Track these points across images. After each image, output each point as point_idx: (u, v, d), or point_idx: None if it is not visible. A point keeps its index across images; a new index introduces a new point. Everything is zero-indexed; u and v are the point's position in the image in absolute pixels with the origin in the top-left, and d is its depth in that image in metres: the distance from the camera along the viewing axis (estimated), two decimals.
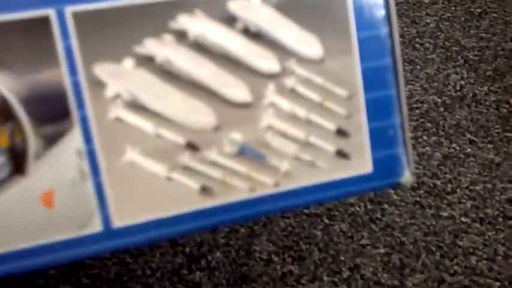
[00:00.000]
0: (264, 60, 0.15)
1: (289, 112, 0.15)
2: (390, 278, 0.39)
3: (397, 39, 0.16)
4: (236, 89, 0.14)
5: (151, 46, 0.14)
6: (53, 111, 0.13)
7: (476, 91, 0.47)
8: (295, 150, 0.15)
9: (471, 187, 0.42)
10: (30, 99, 0.13)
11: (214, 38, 0.14)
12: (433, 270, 0.38)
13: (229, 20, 0.14)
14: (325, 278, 0.39)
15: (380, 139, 0.16)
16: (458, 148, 0.42)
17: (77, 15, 0.13)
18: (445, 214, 0.40)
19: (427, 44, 0.49)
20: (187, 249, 0.38)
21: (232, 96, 0.14)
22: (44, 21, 0.13)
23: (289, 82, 0.15)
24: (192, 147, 0.14)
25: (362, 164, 0.16)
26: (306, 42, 0.15)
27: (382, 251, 0.39)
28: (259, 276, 0.39)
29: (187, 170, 0.15)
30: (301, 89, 0.15)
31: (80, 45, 0.13)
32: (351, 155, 0.16)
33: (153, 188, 0.14)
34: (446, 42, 0.50)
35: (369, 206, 0.41)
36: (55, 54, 0.13)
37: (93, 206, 0.14)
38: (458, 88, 0.46)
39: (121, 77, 0.14)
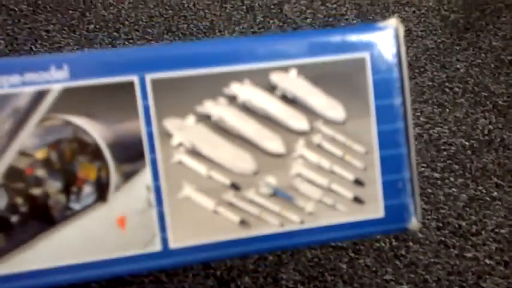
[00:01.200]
0: (297, 121, 0.19)
1: (315, 163, 0.19)
2: None
3: (409, 106, 0.19)
4: (273, 143, 0.18)
5: (209, 107, 0.18)
6: (131, 154, 0.18)
7: (505, 136, 0.48)
8: (319, 194, 0.19)
9: (496, 230, 0.42)
10: (115, 144, 0.17)
11: (258, 102, 0.18)
12: None
13: (271, 88, 0.18)
14: None
15: (391, 190, 0.19)
16: (484, 191, 0.43)
17: (154, 81, 0.18)
18: (469, 255, 0.40)
19: (457, 89, 0.49)
20: (218, 273, 0.40)
21: (270, 148, 0.18)
22: (130, 85, 0.17)
23: (316, 139, 0.19)
24: (235, 187, 0.18)
25: (375, 210, 0.19)
26: (331, 107, 0.19)
27: (405, 286, 0.40)
28: None
29: (230, 205, 0.18)
30: (326, 145, 0.19)
31: (154, 105, 0.18)
32: (366, 201, 0.19)
33: (202, 219, 0.18)
34: (475, 88, 0.50)
35: (394, 243, 0.41)
36: (136, 110, 0.17)
37: (155, 230, 0.18)
38: (486, 132, 0.47)
39: (184, 130, 0.18)
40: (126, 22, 0.53)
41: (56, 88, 0.17)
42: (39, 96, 0.17)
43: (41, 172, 0.17)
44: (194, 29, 0.53)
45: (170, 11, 0.53)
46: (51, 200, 0.17)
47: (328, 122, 0.18)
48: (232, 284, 0.39)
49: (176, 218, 0.18)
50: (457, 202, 0.43)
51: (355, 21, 0.54)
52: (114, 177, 0.17)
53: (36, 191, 0.17)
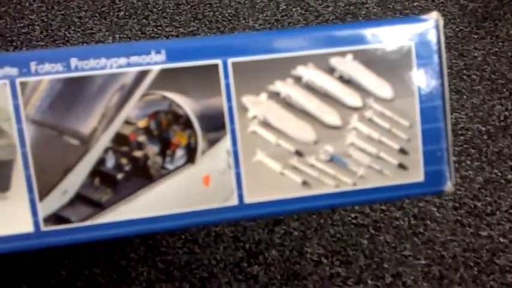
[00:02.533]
0: (351, 98, 0.23)
1: (366, 134, 0.23)
2: (429, 287, 0.42)
3: (446, 87, 0.23)
4: (331, 116, 0.23)
5: (278, 86, 0.22)
6: (214, 124, 0.22)
7: None
8: (369, 161, 0.23)
9: (510, 210, 0.44)
10: (202, 116, 0.22)
11: (319, 82, 0.23)
12: (470, 283, 0.41)
13: (330, 70, 0.23)
14: (369, 282, 0.42)
15: (430, 158, 0.23)
16: (499, 174, 0.46)
17: (234, 64, 0.22)
18: (484, 233, 0.43)
19: (474, 76, 0.51)
20: (247, 246, 0.42)
21: (328, 121, 0.23)
22: (215, 67, 0.22)
23: (368, 114, 0.23)
24: (298, 153, 0.23)
25: (416, 175, 0.23)
26: (381, 87, 0.23)
27: (423, 262, 0.42)
28: (309, 274, 0.42)
29: (294, 169, 0.23)
30: (376, 119, 0.23)
31: (234, 83, 0.22)
32: (409, 167, 0.23)
33: (271, 179, 0.23)
34: (492, 75, 0.52)
35: (413, 221, 0.43)
36: (219, 88, 0.22)
37: (233, 188, 0.22)
38: (502, 118, 0.48)
39: (258, 105, 0.22)
40: (154, 10, 0.55)
41: (155, 69, 0.21)
42: (142, 75, 0.21)
43: (142, 138, 0.22)
44: (219, 16, 0.55)
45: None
46: (149, 161, 0.22)
47: (378, 99, 0.23)
48: (260, 256, 0.42)
49: (250, 178, 0.22)
50: (473, 184, 0.45)
51: (375, 10, 0.56)
52: (201, 143, 0.22)
53: (137, 154, 0.22)
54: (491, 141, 0.47)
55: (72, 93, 0.21)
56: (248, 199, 0.22)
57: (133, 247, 0.42)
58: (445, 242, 0.43)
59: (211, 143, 0.22)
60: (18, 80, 0.20)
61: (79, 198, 0.21)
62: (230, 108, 0.22)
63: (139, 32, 0.53)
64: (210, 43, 0.21)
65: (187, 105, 0.21)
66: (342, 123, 0.22)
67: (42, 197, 0.21)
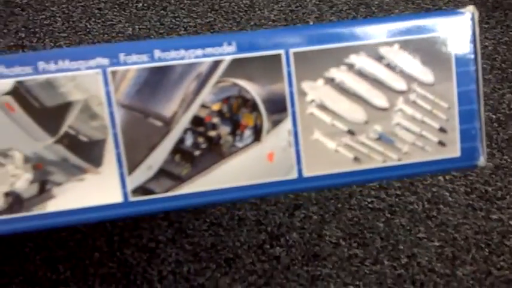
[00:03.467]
0: (398, 83, 0.26)
1: (410, 115, 0.27)
2: (443, 267, 0.44)
3: (480, 73, 0.27)
4: (380, 99, 0.26)
5: (333, 72, 0.26)
6: (278, 107, 0.26)
7: None
8: (412, 139, 0.27)
9: None
10: (267, 100, 0.26)
11: (370, 68, 0.26)
12: (482, 264, 0.43)
13: (379, 58, 0.26)
14: (386, 262, 0.44)
15: (466, 136, 0.27)
16: (509, 160, 0.49)
17: (295, 54, 0.26)
18: (494, 217, 0.45)
19: (485, 65, 0.54)
20: (269, 229, 0.45)
21: (377, 104, 0.26)
22: (278, 56, 0.25)
23: (412, 97, 0.27)
24: (351, 132, 0.27)
25: (454, 151, 0.27)
26: (424, 73, 0.27)
27: (436, 244, 0.44)
28: (328, 256, 0.44)
29: (347, 146, 0.27)
30: (419, 101, 0.27)
31: (295, 71, 0.26)
32: (447, 144, 0.27)
33: (327, 156, 0.26)
34: (502, 64, 0.54)
35: (426, 205, 0.46)
36: (282, 75, 0.26)
37: (293, 163, 0.26)
38: None
39: (315, 90, 0.26)
40: (172, 1, 0.57)
41: (227, 59, 0.25)
42: (215, 64, 0.25)
43: (215, 120, 0.25)
44: (235, 7, 0.57)
45: None
46: (222, 140, 0.25)
47: (421, 84, 0.26)
48: (282, 239, 0.45)
49: (308, 154, 0.26)
50: (484, 170, 0.48)
51: (388, 0, 0.58)
52: (266, 124, 0.25)
53: (212, 133, 0.25)
54: (502, 129, 0.49)
55: (156, 80, 0.24)
56: (306, 173, 0.26)
57: (161, 230, 0.45)
58: (457, 225, 0.45)
59: (275, 123, 0.25)
60: (109, 69, 0.24)
61: (162, 173, 0.25)
62: (291, 93, 0.25)
63: (158, 23, 0.55)
64: (274, 36, 0.25)
65: (254, 90, 0.25)
66: (389, 105, 0.26)
67: (130, 171, 0.25)
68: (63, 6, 0.56)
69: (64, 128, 0.24)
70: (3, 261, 0.43)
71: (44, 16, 0.55)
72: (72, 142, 0.24)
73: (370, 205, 0.46)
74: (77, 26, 0.54)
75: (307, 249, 0.45)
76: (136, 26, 0.55)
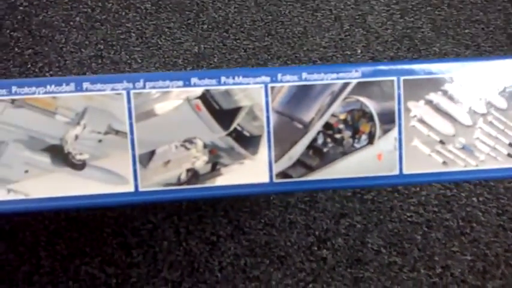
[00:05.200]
0: (480, 107, 0.37)
1: (487, 132, 0.37)
2: (474, 280, 0.49)
3: None
4: (465, 119, 0.37)
5: (432, 96, 0.36)
6: (388, 119, 0.36)
7: None
8: (488, 150, 0.37)
9: None
10: (381, 113, 0.36)
11: (459, 95, 0.37)
12: (510, 279, 0.48)
13: (466, 87, 0.37)
14: (422, 271, 0.49)
15: None
16: None
17: (404, 80, 0.36)
18: None
19: None
20: (317, 233, 0.50)
21: (463, 122, 0.37)
22: (391, 82, 0.36)
23: (490, 118, 0.37)
24: (442, 142, 0.37)
25: None
26: (500, 101, 0.37)
27: (468, 258, 0.49)
28: (370, 261, 0.50)
29: (438, 152, 0.37)
30: (495, 122, 0.37)
31: (403, 93, 0.36)
32: None
33: (422, 159, 0.37)
34: None
35: (461, 223, 0.50)
36: (393, 96, 0.36)
37: (396, 162, 0.36)
38: None
39: (417, 108, 0.36)
40: (233, 24, 0.62)
41: (354, 82, 0.36)
42: (345, 85, 0.36)
43: (341, 126, 0.36)
44: (290, 33, 0.61)
45: (269, 17, 0.62)
46: (344, 141, 0.36)
47: (497, 109, 0.37)
48: (328, 242, 0.50)
49: (408, 156, 0.36)
50: None
51: (430, 34, 0.62)
52: (378, 131, 0.36)
53: (337, 136, 0.36)
54: None
55: (301, 94, 0.35)
56: (406, 171, 0.36)
57: (222, 226, 0.51)
58: (488, 242, 0.50)
59: (385, 131, 0.36)
60: (269, 85, 0.35)
61: (298, 162, 0.35)
62: (399, 110, 0.36)
63: (221, 44, 0.61)
64: (390, 67, 0.36)
65: (372, 106, 0.36)
66: (472, 123, 0.36)
67: (276, 160, 0.35)
68: (137, 23, 0.61)
69: (234, 125, 0.35)
70: (84, 242, 0.50)
71: (120, 31, 0.59)
72: (238, 136, 0.35)
73: (409, 219, 0.51)
74: (149, 41, 0.60)
75: (351, 253, 0.50)
76: (202, 45, 0.60)
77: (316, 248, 0.49)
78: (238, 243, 0.50)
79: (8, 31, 0.58)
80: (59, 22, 0.59)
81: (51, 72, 0.57)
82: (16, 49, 0.58)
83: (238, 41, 0.61)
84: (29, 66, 0.58)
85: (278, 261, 0.49)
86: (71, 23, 0.59)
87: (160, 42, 0.60)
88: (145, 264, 0.49)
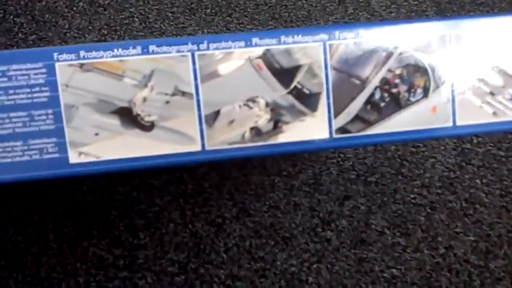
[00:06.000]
0: None
1: None
2: (477, 259, 0.49)
3: None
4: None
5: (480, 49, 0.38)
6: (442, 73, 0.37)
7: None
8: None
9: None
10: (433, 69, 0.37)
11: None
12: None
13: None
14: (425, 251, 0.49)
15: None
16: None
17: (456, 35, 0.38)
18: None
19: None
20: (321, 215, 0.50)
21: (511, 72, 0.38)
22: (444, 37, 0.37)
23: None
24: (492, 93, 0.37)
25: None
26: None
27: (472, 238, 0.50)
28: (374, 242, 0.50)
29: (488, 104, 0.37)
30: None
31: (456, 50, 0.38)
32: None
33: (474, 110, 0.37)
34: None
35: (464, 204, 0.51)
36: (447, 51, 0.37)
37: (450, 114, 0.37)
38: None
39: (466, 60, 0.38)
40: (237, 9, 0.61)
41: (407, 38, 0.37)
42: (399, 41, 0.37)
43: (397, 80, 0.36)
44: (294, 17, 0.61)
45: (273, 0, 0.61)
46: (401, 96, 0.36)
47: None
48: (332, 224, 0.51)
49: (461, 109, 0.37)
50: None
51: (434, 17, 0.62)
52: (432, 85, 0.37)
53: (394, 90, 0.37)
54: None
55: (359, 52, 0.36)
56: (459, 122, 0.37)
57: (227, 208, 0.52)
58: (491, 224, 0.51)
59: (439, 85, 0.37)
60: (328, 43, 0.35)
61: (357, 118, 0.36)
62: (451, 63, 0.37)
63: (225, 28, 0.60)
64: (441, 25, 0.37)
65: (426, 61, 0.37)
66: None
67: (335, 116, 0.36)
68: (141, 8, 0.60)
69: (294, 83, 0.36)
70: (91, 225, 0.50)
71: (123, 16, 0.58)
72: (298, 93, 0.36)
73: (413, 200, 0.51)
74: (153, 26, 0.59)
75: (355, 235, 0.50)
76: (205, 30, 0.60)
77: (320, 230, 0.50)
78: (244, 225, 0.50)
79: (11, 17, 0.57)
80: (62, 7, 0.58)
81: None
82: (20, 35, 0.57)
83: (241, 25, 0.61)
84: None
85: (283, 243, 0.49)
86: (74, 8, 0.58)
87: (163, 27, 0.59)
88: (152, 246, 0.50)
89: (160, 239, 0.50)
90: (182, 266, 0.49)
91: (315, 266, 0.49)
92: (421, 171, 0.52)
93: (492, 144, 0.53)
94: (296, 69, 0.36)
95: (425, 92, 0.37)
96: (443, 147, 0.53)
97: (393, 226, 0.50)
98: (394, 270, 0.49)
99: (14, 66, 0.32)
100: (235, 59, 0.35)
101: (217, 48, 0.34)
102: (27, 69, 0.33)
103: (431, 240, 0.49)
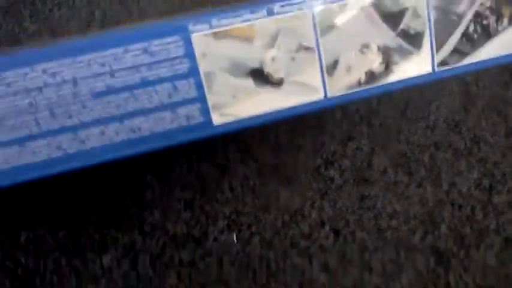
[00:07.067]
0: None
1: None
2: (480, 195, 0.50)
3: None
4: None
5: None
6: None
7: None
8: None
9: None
10: None
11: None
12: None
13: None
14: (429, 188, 0.50)
15: None
16: None
17: None
18: None
19: None
20: (324, 155, 0.51)
21: None
22: None
23: None
24: None
25: None
26: None
27: (475, 176, 0.50)
28: (376, 180, 0.50)
29: None
30: None
31: None
32: None
33: None
34: None
35: (469, 144, 0.51)
36: None
37: None
38: None
39: None
40: None
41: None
42: None
43: (487, 12, 0.40)
44: None
45: None
46: (490, 26, 0.40)
47: None
48: (335, 164, 0.51)
49: None
50: None
51: None
52: None
53: (485, 22, 0.40)
54: None
55: None
56: None
57: (231, 151, 0.52)
58: (496, 162, 0.51)
59: None
60: None
61: (454, 51, 0.40)
62: None
63: None
64: None
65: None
66: None
67: (437, 51, 0.40)
68: None
69: (401, 26, 0.39)
70: (98, 171, 0.50)
71: None
72: (405, 34, 0.39)
73: (416, 142, 0.52)
74: None
75: (358, 174, 0.51)
76: None
77: (323, 169, 0.50)
78: (247, 165, 0.51)
79: None
80: None
81: (60, 12, 0.56)
82: None
83: None
84: (39, 6, 0.56)
85: (286, 181, 0.50)
86: None
87: None
88: (159, 186, 0.51)
89: (167, 180, 0.51)
90: (188, 204, 0.50)
91: (317, 203, 0.49)
92: (426, 114, 0.52)
93: (498, 87, 0.54)
94: (402, 12, 0.39)
95: (511, 20, 0.40)
96: (447, 91, 0.53)
97: (396, 165, 0.51)
98: (396, 206, 0.49)
99: (155, 42, 0.35)
100: (350, 10, 0.38)
101: (332, 2, 0.37)
102: (166, 43, 0.35)
103: (434, 178, 0.50)
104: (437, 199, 0.50)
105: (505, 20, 0.40)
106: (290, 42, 0.37)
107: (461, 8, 0.40)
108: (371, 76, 0.39)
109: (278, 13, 0.37)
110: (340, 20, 0.38)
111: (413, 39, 0.40)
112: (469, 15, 0.40)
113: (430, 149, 0.51)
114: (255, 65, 0.37)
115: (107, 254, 0.48)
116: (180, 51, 0.35)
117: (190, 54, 0.35)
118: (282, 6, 0.37)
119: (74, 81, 0.34)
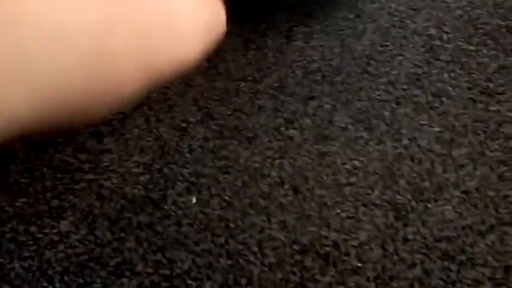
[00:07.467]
0: None
1: None
2: (440, 149, 0.50)
3: None
4: None
5: None
6: None
7: None
8: None
9: None
10: None
11: None
12: (477, 146, 0.48)
13: None
14: (388, 143, 0.50)
15: None
16: None
17: None
18: (493, 108, 0.50)
19: None
20: (285, 115, 0.51)
21: None
22: None
23: None
24: None
25: None
26: None
27: (436, 129, 0.50)
28: (337, 137, 0.50)
29: None
30: None
31: None
32: None
33: None
34: None
35: (430, 98, 0.51)
36: None
37: None
38: None
39: None
40: None
41: None
42: None
43: None
44: None
45: None
46: None
47: None
48: (296, 123, 0.51)
49: None
50: (487, 69, 0.51)
51: None
52: None
53: None
54: (509, 34, 0.53)
55: None
56: None
57: (191, 113, 0.52)
58: (457, 115, 0.51)
59: None
60: None
61: None
62: None
63: None
64: None
65: None
66: None
67: None
68: None
69: None
70: (57, 133, 0.50)
71: None
72: None
73: (378, 97, 0.51)
74: None
75: (318, 131, 0.51)
76: None
77: (284, 129, 0.50)
78: (208, 127, 0.51)
79: None
80: None
81: None
82: None
83: None
84: None
85: (246, 142, 0.50)
86: None
87: None
88: (116, 150, 0.51)
89: (125, 144, 0.50)
90: (147, 167, 0.49)
91: (277, 161, 0.49)
92: (388, 69, 0.52)
93: (462, 40, 0.54)
94: None
95: None
96: (411, 45, 0.53)
97: (357, 122, 0.51)
98: (356, 162, 0.49)
99: None
100: None
101: None
102: None
103: (394, 132, 0.50)
104: (396, 153, 0.50)
105: None
106: None
107: None
108: None
109: None
110: None
111: None
112: None
113: (391, 104, 0.51)
114: None
115: (64, 220, 0.47)
116: None
117: None
118: None
119: None
